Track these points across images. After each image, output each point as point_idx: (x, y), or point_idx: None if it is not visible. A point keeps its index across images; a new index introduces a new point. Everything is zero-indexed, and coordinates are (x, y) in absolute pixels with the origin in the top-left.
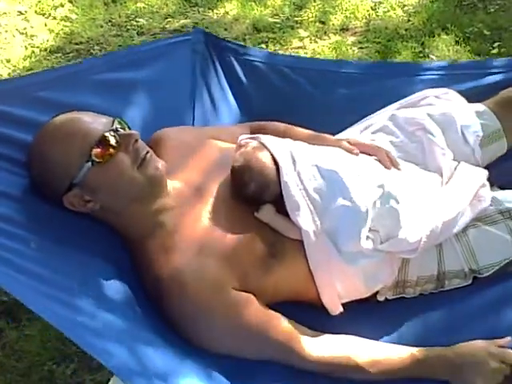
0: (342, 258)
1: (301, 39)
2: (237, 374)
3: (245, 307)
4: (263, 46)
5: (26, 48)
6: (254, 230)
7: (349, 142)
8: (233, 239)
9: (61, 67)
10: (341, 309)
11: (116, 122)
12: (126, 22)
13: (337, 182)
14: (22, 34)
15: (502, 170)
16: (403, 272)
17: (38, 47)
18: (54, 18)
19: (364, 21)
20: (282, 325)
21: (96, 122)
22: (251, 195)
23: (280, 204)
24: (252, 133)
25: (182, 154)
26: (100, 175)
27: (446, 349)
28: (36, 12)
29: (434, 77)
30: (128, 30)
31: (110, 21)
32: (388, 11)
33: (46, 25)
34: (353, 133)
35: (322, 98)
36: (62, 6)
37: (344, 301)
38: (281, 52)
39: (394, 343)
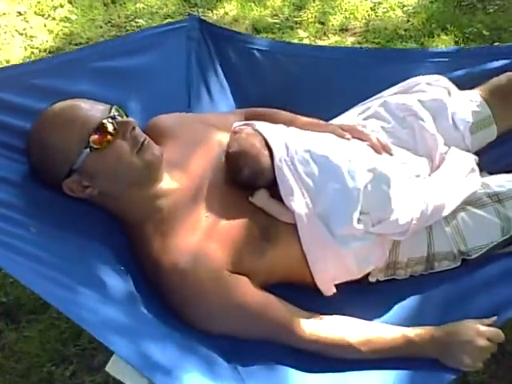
0: (334, 241)
1: (300, 40)
2: (236, 355)
3: (239, 289)
4: None
5: (26, 49)
6: (249, 215)
7: (341, 128)
8: (227, 223)
9: (57, 55)
10: (334, 290)
11: (114, 110)
12: (125, 22)
13: (329, 166)
14: (22, 34)
15: (491, 155)
16: (394, 254)
17: (37, 48)
18: (54, 19)
19: (363, 21)
20: (276, 305)
21: (94, 109)
22: (245, 180)
23: (274, 189)
24: (246, 119)
25: (177, 140)
26: (98, 161)
27: (435, 328)
28: (35, 13)
29: (426, 64)
30: (127, 30)
31: (109, 21)
32: (387, 11)
33: (45, 25)
34: (346, 118)
35: (316, 85)
36: (62, 6)
37: (337, 282)
38: None
39: (386, 323)
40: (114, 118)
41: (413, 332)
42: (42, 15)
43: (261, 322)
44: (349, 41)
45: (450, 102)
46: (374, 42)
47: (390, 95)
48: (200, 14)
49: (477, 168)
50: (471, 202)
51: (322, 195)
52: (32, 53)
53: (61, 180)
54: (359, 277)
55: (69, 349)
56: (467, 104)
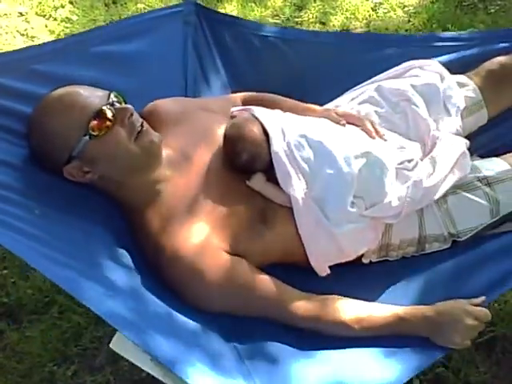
0: (329, 224)
1: None
2: (236, 333)
3: (236, 268)
4: None
5: None
6: (246, 198)
7: (336, 113)
8: (225, 206)
9: (55, 40)
10: (328, 270)
11: (112, 96)
12: None
13: (324, 151)
14: (23, 35)
15: (482, 139)
16: (387, 236)
17: None
18: (55, 20)
19: (364, 21)
20: (272, 284)
21: (93, 96)
22: (243, 164)
23: (270, 173)
24: (243, 104)
25: (175, 124)
26: (97, 148)
27: (426, 307)
28: (36, 13)
29: (419, 48)
30: None
31: (110, 22)
32: (388, 12)
33: (46, 26)
34: (341, 103)
35: (313, 70)
36: (63, 7)
37: (331, 263)
38: None
39: (378, 302)
40: (112, 104)
41: (404, 311)
42: (43, 16)
43: (257, 300)
44: None
45: (442, 86)
46: None
47: (384, 80)
48: None
49: (467, 152)
50: (462, 185)
51: (318, 179)
52: None
53: (61, 166)
54: (353, 258)
55: (70, 349)
56: (459, 89)
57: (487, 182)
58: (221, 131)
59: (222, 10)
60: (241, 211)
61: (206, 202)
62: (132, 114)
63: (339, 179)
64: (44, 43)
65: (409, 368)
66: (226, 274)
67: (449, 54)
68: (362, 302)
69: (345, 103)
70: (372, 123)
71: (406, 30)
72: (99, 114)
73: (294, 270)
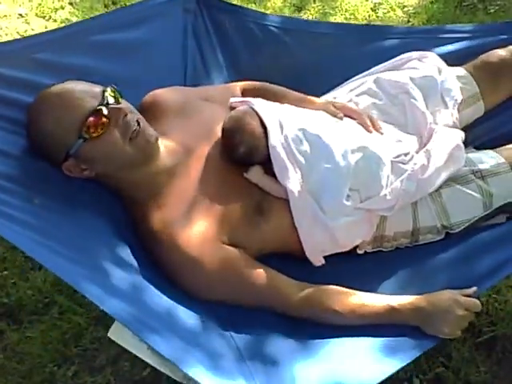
0: (324, 216)
1: None
2: (232, 322)
3: (232, 258)
4: None
5: None
6: (243, 190)
7: (334, 106)
8: (223, 198)
9: (56, 29)
10: (323, 261)
11: (109, 90)
12: None
13: (321, 145)
14: (23, 36)
15: (477, 131)
16: (381, 228)
17: None
18: (55, 21)
19: (364, 22)
20: (268, 273)
21: (88, 96)
22: (241, 157)
23: (268, 165)
24: (243, 93)
25: (174, 115)
26: (93, 148)
27: (417, 297)
28: (36, 15)
29: (416, 40)
30: None
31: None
32: (388, 12)
33: (46, 27)
34: (339, 94)
35: (312, 59)
36: (63, 8)
37: (325, 254)
38: None
39: (371, 292)
40: (106, 104)
41: (396, 301)
42: (43, 17)
43: (253, 289)
44: None
45: (440, 79)
46: None
47: (382, 71)
48: None
49: (462, 145)
50: (456, 178)
51: (314, 173)
52: None
53: (58, 163)
54: (348, 249)
55: (70, 349)
56: (456, 81)
57: (481, 175)
58: (220, 123)
59: None
60: (238, 203)
61: (204, 194)
62: (126, 115)
63: (335, 173)
64: (43, 32)
65: (401, 358)
66: (223, 264)
67: (446, 45)
68: (355, 291)
69: (343, 94)
70: (369, 117)
71: None
72: (93, 116)
73: (290, 260)
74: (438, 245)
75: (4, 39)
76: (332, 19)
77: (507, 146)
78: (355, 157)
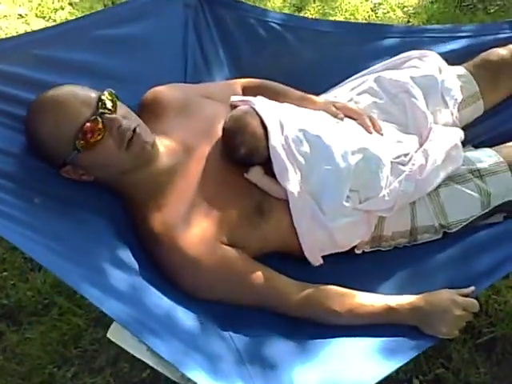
0: (323, 217)
1: None
2: (232, 323)
3: (232, 258)
4: None
5: None
6: (243, 190)
7: (335, 106)
8: (223, 198)
9: (56, 25)
10: (321, 261)
11: (106, 96)
12: None
13: (321, 146)
14: None
15: (476, 129)
16: (379, 228)
17: None
18: (55, 21)
19: (364, 22)
20: (267, 274)
21: (81, 106)
22: (241, 157)
23: (268, 166)
24: (243, 91)
25: (174, 112)
26: (88, 158)
27: (415, 297)
28: (36, 15)
29: (417, 39)
30: None
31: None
32: (388, 12)
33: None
34: (340, 93)
35: (314, 56)
36: (63, 8)
37: (324, 253)
38: None
39: (370, 292)
40: (101, 114)
41: (394, 300)
42: (43, 17)
43: (252, 288)
44: None
45: (440, 78)
46: None
47: (383, 70)
48: None
49: (460, 144)
50: (454, 177)
51: (314, 174)
52: None
53: (56, 168)
54: (346, 249)
55: (70, 350)
56: (456, 80)
57: (479, 174)
58: (221, 121)
59: None
60: (238, 203)
61: (203, 194)
62: (121, 125)
63: (335, 174)
64: (43, 28)
65: (399, 358)
66: (222, 264)
67: (446, 44)
68: (353, 291)
69: (344, 93)
70: (370, 117)
71: None
72: (86, 127)
73: (289, 260)
74: (436, 244)
75: None
76: (332, 19)
77: (506, 145)
78: (355, 158)
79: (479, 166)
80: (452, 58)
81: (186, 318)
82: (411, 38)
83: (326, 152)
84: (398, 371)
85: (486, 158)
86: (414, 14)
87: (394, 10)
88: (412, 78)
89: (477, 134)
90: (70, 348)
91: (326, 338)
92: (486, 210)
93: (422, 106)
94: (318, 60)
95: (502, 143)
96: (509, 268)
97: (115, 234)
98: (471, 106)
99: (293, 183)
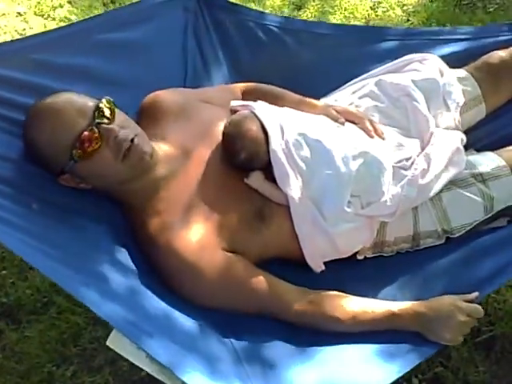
0: (324, 223)
1: None
2: (231, 325)
3: (232, 265)
4: None
5: None
6: (243, 195)
7: (335, 110)
8: (223, 203)
9: (55, 29)
10: (323, 267)
11: (104, 104)
12: None
13: (322, 151)
14: (21, 35)
15: (479, 133)
16: (381, 233)
17: None
18: (53, 19)
19: (363, 20)
20: (268, 280)
21: (78, 116)
22: (241, 163)
23: (268, 171)
24: (243, 95)
25: (174, 117)
26: (85, 168)
27: (418, 303)
28: (35, 13)
29: (417, 42)
30: None
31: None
32: (387, 11)
33: (45, 26)
34: (340, 97)
35: (314, 60)
36: (61, 6)
37: (326, 259)
38: None
39: (372, 297)
40: (97, 124)
41: (397, 306)
42: (42, 16)
43: (253, 296)
44: None
45: (442, 81)
46: None
47: (384, 73)
48: None
49: (462, 148)
50: (456, 181)
51: (315, 179)
52: None
53: (54, 176)
54: (348, 255)
55: (69, 349)
56: (458, 83)
57: (482, 178)
58: (220, 126)
59: None
60: (238, 208)
61: (203, 199)
62: (117, 136)
63: (337, 179)
64: (43, 32)
65: (402, 364)
66: (222, 271)
67: (447, 47)
68: (355, 297)
69: (344, 97)
70: (371, 121)
71: None
72: (83, 137)
73: (290, 266)
74: (439, 249)
75: (2, 37)
76: (331, 18)
77: (508, 148)
78: (356, 162)
79: (482, 170)
80: (453, 61)
81: (184, 320)
82: (411, 40)
83: (326, 156)
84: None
85: (489, 161)
86: (413, 12)
87: (394, 9)
88: (413, 81)
89: (479, 138)
90: (69, 346)
91: (326, 341)
92: (489, 215)
93: (424, 110)
94: (318, 63)
95: (504, 147)
96: None
97: (114, 240)
98: (473, 110)
99: (293, 188)
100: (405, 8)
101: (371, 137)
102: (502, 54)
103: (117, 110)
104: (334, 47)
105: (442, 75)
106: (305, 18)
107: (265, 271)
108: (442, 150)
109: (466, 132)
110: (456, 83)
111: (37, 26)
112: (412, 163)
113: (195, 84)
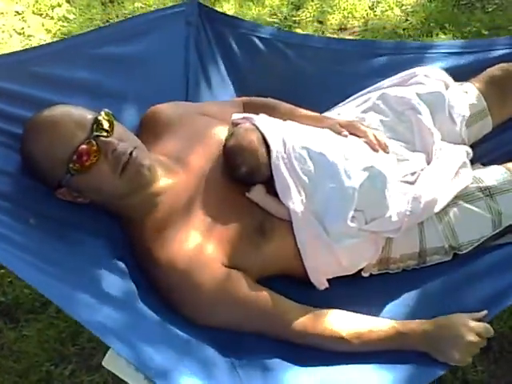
0: (328, 238)
1: None
2: (230, 343)
3: (233, 282)
4: None
5: (24, 48)
6: (245, 209)
7: (339, 124)
8: (224, 218)
9: (54, 42)
10: (326, 284)
11: (102, 116)
12: None
13: (325, 164)
14: (20, 34)
15: (485, 146)
16: (387, 250)
17: None
18: (52, 18)
19: (362, 20)
20: (270, 298)
21: (76, 129)
22: (243, 176)
23: (270, 185)
24: (245, 108)
25: (174, 131)
26: (83, 181)
27: (425, 322)
28: (33, 12)
29: (422, 55)
30: None
31: (107, 21)
32: (386, 10)
33: (43, 25)
34: (344, 111)
35: (314, 74)
36: (60, 5)
37: (329, 277)
38: None
39: (378, 316)
40: (95, 137)
41: (403, 325)
42: (40, 14)
43: (254, 315)
44: None
45: (447, 95)
46: None
47: (388, 87)
48: None
49: (468, 162)
50: (463, 196)
51: (318, 193)
52: None
53: (52, 189)
54: (352, 272)
55: (68, 348)
56: (463, 97)
57: (489, 192)
58: (221, 140)
59: (220, 9)
60: (239, 223)
61: (203, 213)
62: (115, 149)
63: (340, 193)
64: (42, 45)
65: None
66: (222, 288)
67: (452, 60)
68: (361, 316)
69: (348, 111)
70: (375, 135)
71: (404, 29)
72: (80, 150)
73: (293, 283)
74: (446, 266)
75: (0, 37)
76: (330, 17)
77: None
78: (361, 176)
79: (489, 184)
80: (458, 74)
81: (181, 334)
82: (415, 54)
83: (330, 170)
84: None
85: (496, 175)
86: (412, 12)
87: (392, 9)
88: (418, 94)
89: (485, 152)
90: (67, 346)
91: (328, 359)
92: (497, 230)
93: (429, 124)
94: (320, 77)
95: (511, 161)
96: None
97: (112, 254)
98: (479, 123)
99: (296, 202)
100: (403, 8)
101: (375, 150)
102: (507, 66)
103: (116, 123)
104: (336, 61)
105: (446, 88)
106: (303, 17)
107: (267, 288)
108: (447, 164)
109: (472, 146)
110: (461, 96)
111: (35, 25)
112: (417, 177)
113: (197, 98)
